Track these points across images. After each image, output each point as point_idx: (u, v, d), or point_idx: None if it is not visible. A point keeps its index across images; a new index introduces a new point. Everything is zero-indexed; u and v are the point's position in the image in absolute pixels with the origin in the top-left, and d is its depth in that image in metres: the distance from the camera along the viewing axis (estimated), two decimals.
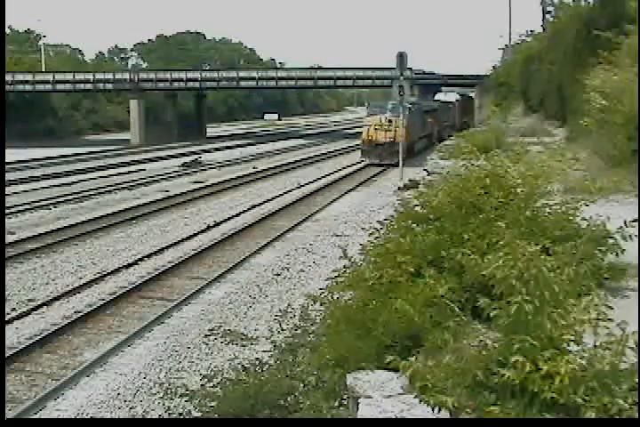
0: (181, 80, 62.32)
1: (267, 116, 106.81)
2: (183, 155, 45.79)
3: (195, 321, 12.16)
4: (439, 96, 58.63)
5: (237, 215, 22.02)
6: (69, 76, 62.46)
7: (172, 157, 44.91)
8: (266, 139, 63.76)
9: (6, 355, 10.18)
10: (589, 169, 10.88)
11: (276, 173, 34.53)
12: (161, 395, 9.04)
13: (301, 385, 6.71)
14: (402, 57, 25.42)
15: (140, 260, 16.15)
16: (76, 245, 17.72)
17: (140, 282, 14.12)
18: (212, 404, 7.34)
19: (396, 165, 30.41)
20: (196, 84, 63.39)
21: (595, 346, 3.73)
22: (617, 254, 5.86)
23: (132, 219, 21.19)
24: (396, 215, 6.93)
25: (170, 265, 15.43)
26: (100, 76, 63.59)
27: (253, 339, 11.18)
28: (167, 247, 17.33)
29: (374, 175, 32.01)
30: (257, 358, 8.91)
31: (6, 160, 36.53)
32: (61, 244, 17.65)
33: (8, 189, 27.17)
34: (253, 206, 23.65)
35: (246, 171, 35.43)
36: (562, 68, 18.59)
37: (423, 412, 3.94)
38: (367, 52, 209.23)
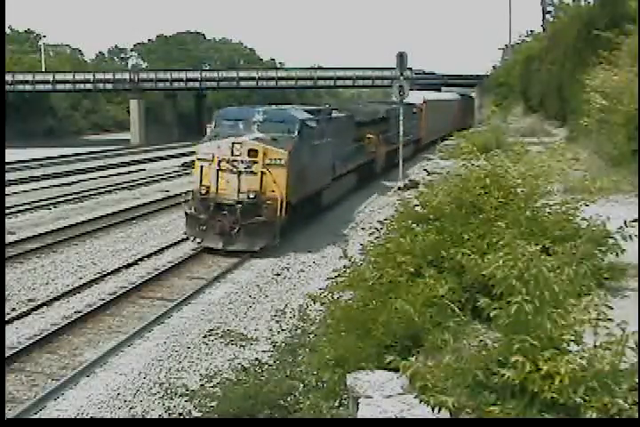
0: (181, 80, 62.31)
1: None
2: (183, 155, 45.74)
3: (195, 321, 12.16)
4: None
5: None
6: (69, 76, 62.44)
7: (172, 157, 44.87)
8: None
9: (6, 355, 10.18)
10: (589, 169, 10.88)
11: None
12: (161, 395, 9.05)
13: (301, 385, 6.71)
14: (402, 57, 25.33)
15: (140, 260, 16.15)
16: (75, 245, 17.72)
17: (139, 282, 14.12)
18: (212, 404, 7.34)
19: (260, 254, 16.36)
20: (196, 84, 63.38)
21: (595, 346, 3.73)
22: (617, 254, 5.86)
23: (132, 219, 21.19)
24: (396, 215, 6.94)
25: (170, 265, 15.43)
26: (100, 76, 63.56)
27: (253, 339, 11.19)
28: (167, 247, 17.32)
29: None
30: (256, 359, 8.92)
31: (6, 160, 36.52)
32: (61, 244, 17.65)
33: (8, 189, 27.16)
34: None
35: None
36: (562, 68, 18.61)
37: (423, 412, 3.94)
38: (367, 52, 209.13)
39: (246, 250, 16.24)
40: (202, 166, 16.97)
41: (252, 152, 16.41)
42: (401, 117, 24.79)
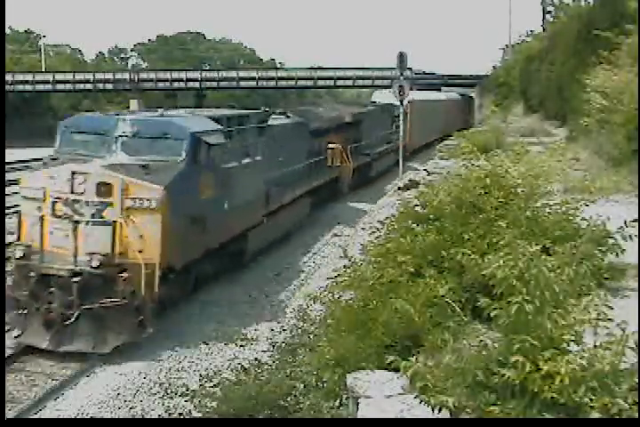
0: (181, 80, 62.33)
1: None
2: None
3: (195, 321, 12.15)
4: (376, 96, 37.92)
5: None
6: (69, 76, 62.53)
7: None
8: None
9: (6, 355, 10.17)
10: (589, 169, 10.88)
11: None
12: (161, 395, 9.05)
13: (302, 386, 6.71)
14: (402, 57, 25.34)
15: None
16: None
17: None
18: (213, 404, 7.34)
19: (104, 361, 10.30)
20: (196, 84, 63.39)
21: (595, 346, 3.73)
22: (617, 254, 5.86)
23: None
24: (396, 215, 6.94)
25: None
26: (100, 76, 63.62)
27: (253, 339, 11.18)
28: None
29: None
30: (256, 358, 8.92)
31: (6, 160, 36.50)
32: None
33: (8, 189, 27.13)
34: None
35: None
36: (562, 68, 18.59)
37: (423, 412, 3.94)
38: (367, 52, 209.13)
39: (90, 352, 10.11)
40: (20, 212, 11.05)
41: (104, 188, 10.30)
42: (401, 117, 24.63)
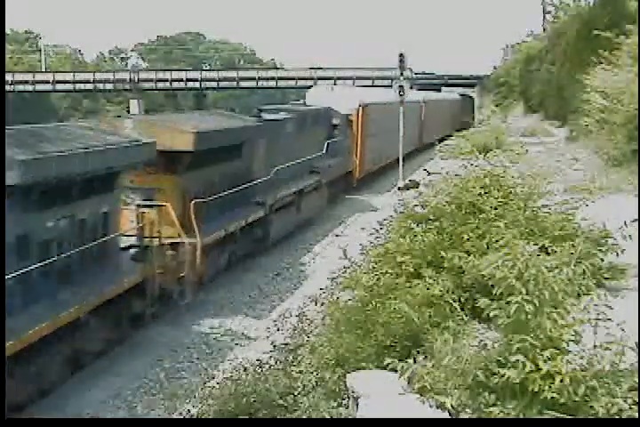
0: (181, 80, 62.37)
1: None
2: None
3: (195, 320, 12.15)
4: (312, 96, 24.67)
5: None
6: (69, 76, 62.61)
7: None
8: None
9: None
10: (589, 169, 10.88)
11: None
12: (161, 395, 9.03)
13: (302, 385, 6.70)
14: (402, 57, 25.36)
15: None
16: None
17: None
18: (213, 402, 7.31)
19: None
20: (196, 84, 63.44)
21: (594, 346, 3.73)
22: (617, 254, 5.85)
23: None
24: (395, 216, 6.94)
25: None
26: (99, 76, 63.71)
27: (253, 339, 11.17)
28: None
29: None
30: (257, 359, 8.91)
31: None
32: None
33: None
34: None
35: None
36: (562, 68, 18.61)
37: (423, 412, 3.94)
38: (367, 52, 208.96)
39: None
40: None
41: None
42: (401, 119, 24.40)
